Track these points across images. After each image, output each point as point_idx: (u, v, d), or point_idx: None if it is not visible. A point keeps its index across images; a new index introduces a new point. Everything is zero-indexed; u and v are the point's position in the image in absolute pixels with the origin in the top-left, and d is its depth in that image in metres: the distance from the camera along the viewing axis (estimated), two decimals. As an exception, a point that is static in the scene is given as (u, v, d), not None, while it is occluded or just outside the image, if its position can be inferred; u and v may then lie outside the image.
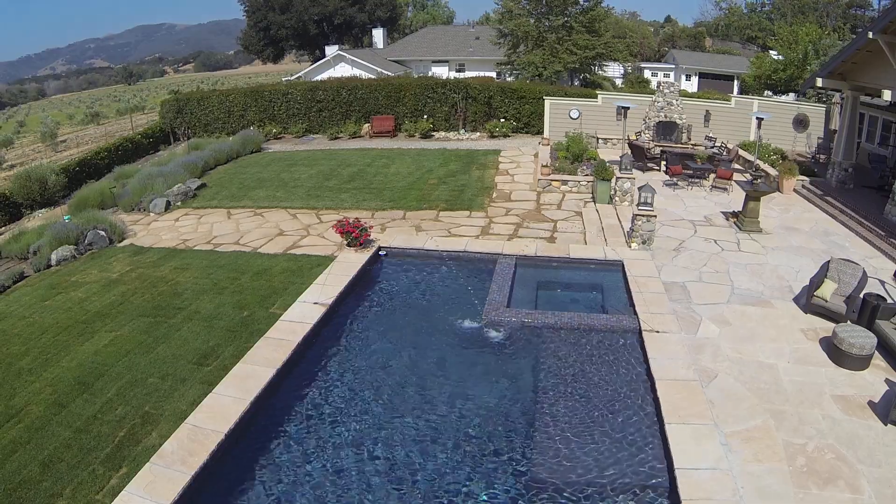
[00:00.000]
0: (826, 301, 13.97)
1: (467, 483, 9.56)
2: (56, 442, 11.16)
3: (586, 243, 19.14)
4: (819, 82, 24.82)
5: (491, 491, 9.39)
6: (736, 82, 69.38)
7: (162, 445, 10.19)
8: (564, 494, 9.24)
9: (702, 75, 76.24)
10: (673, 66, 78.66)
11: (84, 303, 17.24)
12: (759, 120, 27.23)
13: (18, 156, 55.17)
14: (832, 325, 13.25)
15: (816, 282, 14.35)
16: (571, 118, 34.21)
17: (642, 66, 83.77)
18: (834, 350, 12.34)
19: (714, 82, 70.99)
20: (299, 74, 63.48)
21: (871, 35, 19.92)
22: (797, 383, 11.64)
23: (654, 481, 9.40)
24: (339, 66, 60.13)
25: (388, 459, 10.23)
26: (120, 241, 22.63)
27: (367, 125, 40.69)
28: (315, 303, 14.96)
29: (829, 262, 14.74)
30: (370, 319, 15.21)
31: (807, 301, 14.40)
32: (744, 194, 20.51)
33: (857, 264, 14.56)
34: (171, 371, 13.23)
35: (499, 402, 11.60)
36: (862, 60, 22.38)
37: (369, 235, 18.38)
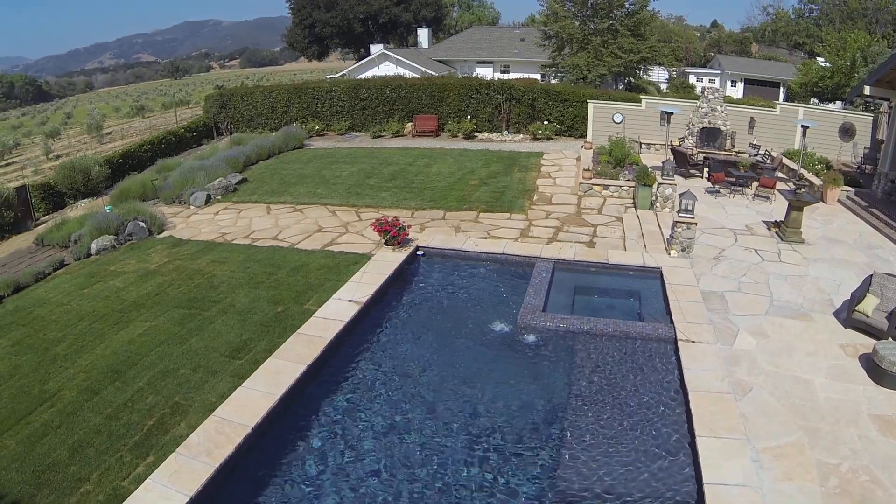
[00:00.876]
0: (867, 316, 13.71)
1: (490, 492, 9.58)
2: (86, 427, 11.40)
3: (625, 249, 19.00)
4: (867, 90, 24.43)
5: (507, 498, 9.44)
6: (782, 89, 68.41)
7: (189, 436, 10.36)
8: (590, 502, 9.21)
9: (747, 81, 75.29)
10: (718, 72, 77.76)
11: (121, 292, 17.57)
12: (805, 128, 26.86)
13: (65, 146, 56.01)
14: (873, 341, 12.99)
15: (858, 296, 14.10)
16: (615, 122, 34.00)
17: (687, 70, 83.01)
18: (873, 368, 12.10)
19: (760, 89, 70.00)
20: (343, 72, 63.74)
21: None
22: (833, 400, 11.45)
23: (680, 496, 9.31)
24: (384, 64, 60.20)
25: (412, 461, 10.29)
26: (159, 233, 23.03)
27: (409, 124, 40.76)
28: (350, 300, 15.06)
29: (871, 276, 14.45)
30: (404, 320, 15.28)
31: (847, 316, 14.16)
32: (786, 204, 20.21)
33: (900, 278, 14.30)
34: (203, 363, 13.41)
35: (525, 409, 11.59)
36: (911, 68, 21.98)
37: (407, 235, 18.46)
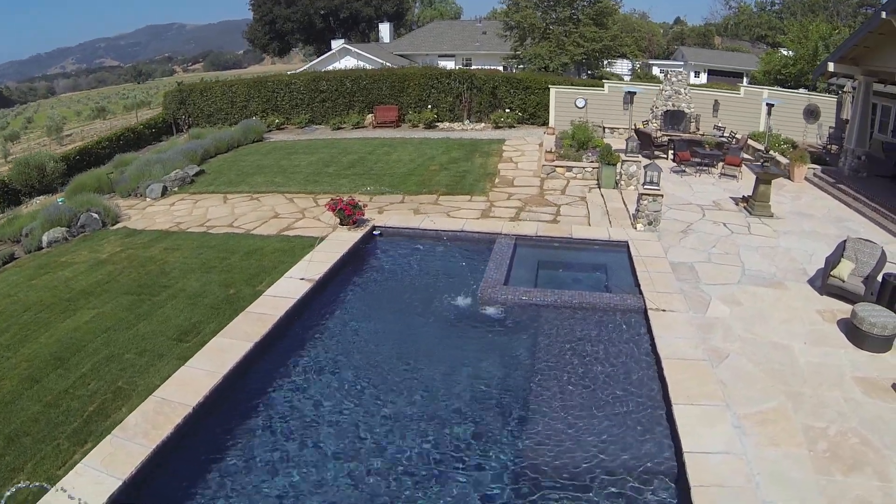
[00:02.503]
0: (843, 281, 13.20)
1: (450, 468, 8.84)
2: (24, 416, 10.61)
3: (590, 225, 18.37)
4: (831, 67, 23.98)
5: (480, 477, 8.65)
6: (745, 79, 68.34)
7: (126, 418, 9.58)
8: (556, 481, 8.48)
9: (711, 72, 75.44)
10: (682, 63, 77.68)
11: (70, 282, 16.72)
12: (770, 106, 26.52)
13: (24, 149, 54.92)
14: (849, 307, 12.40)
15: (832, 261, 13.58)
16: (577, 107, 33.49)
17: (650, 62, 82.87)
18: (853, 331, 11.58)
19: (723, 79, 69.84)
20: (305, 68, 62.89)
21: (884, 15, 19.06)
22: (814, 365, 10.88)
23: (659, 466, 8.63)
24: (345, 59, 59.45)
25: (364, 437, 9.60)
26: (113, 225, 22.10)
27: (370, 116, 40.02)
28: (301, 278, 14.30)
29: (845, 241, 13.97)
30: (359, 296, 14.65)
31: (823, 281, 13.62)
32: (753, 181, 19.81)
33: (875, 244, 13.79)
34: (150, 347, 12.63)
35: (487, 385, 10.85)
36: (875, 44, 21.48)
37: (363, 214, 17.77)
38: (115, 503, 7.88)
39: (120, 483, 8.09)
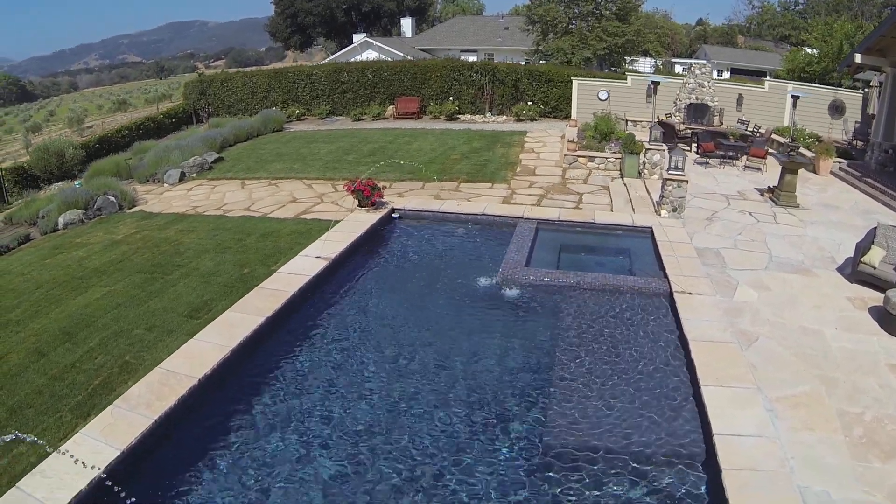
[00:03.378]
0: (874, 268, 12.79)
1: (473, 452, 8.47)
2: (28, 388, 10.41)
3: (612, 211, 18.06)
4: (858, 58, 23.50)
5: (503, 461, 8.30)
6: (768, 77, 67.90)
7: (129, 388, 9.37)
8: (581, 463, 8.13)
9: (734, 70, 74.67)
10: (704, 62, 77.03)
11: (83, 261, 16.59)
12: (795, 99, 26.01)
13: (45, 140, 55.10)
14: (880, 294, 12.02)
15: (863, 248, 13.19)
16: (600, 100, 33.18)
17: (673, 60, 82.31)
18: (887, 317, 11.19)
19: (747, 78, 69.36)
20: (326, 61, 62.79)
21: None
22: (847, 350, 10.50)
23: (688, 449, 8.27)
24: (366, 52, 59.29)
25: (375, 414, 9.32)
26: (130, 208, 21.98)
27: (391, 107, 39.97)
28: (317, 256, 14.04)
29: (875, 227, 13.52)
30: (375, 276, 14.42)
31: (853, 268, 13.25)
32: (779, 172, 19.48)
33: (907, 231, 13.39)
34: (160, 323, 12.40)
35: (510, 368, 10.52)
36: (904, 35, 21.11)
37: (381, 195, 17.54)
38: (113, 474, 7.56)
39: (118, 453, 7.81)
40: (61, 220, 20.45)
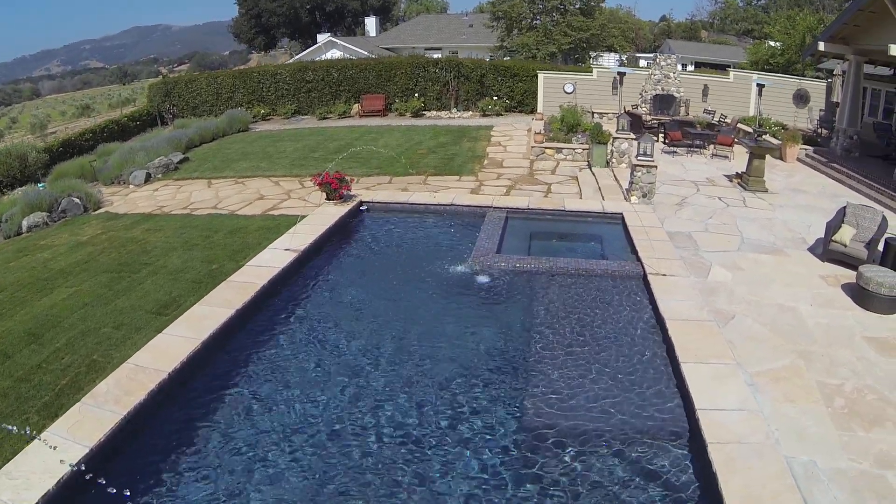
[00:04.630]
0: (845, 246, 12.83)
1: (454, 436, 8.28)
2: (-7, 392, 10.07)
3: (582, 199, 17.97)
4: (821, 46, 23.61)
5: (485, 445, 8.10)
6: (732, 71, 68.42)
7: (96, 385, 9.05)
8: (565, 442, 7.99)
9: (697, 64, 75.16)
10: (669, 54, 77.59)
11: (48, 262, 16.25)
12: (760, 87, 26.22)
13: (6, 145, 54.26)
14: (852, 272, 12.09)
15: (833, 226, 13.21)
16: (566, 93, 33.23)
17: (638, 55, 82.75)
18: (859, 292, 11.24)
19: (711, 70, 69.99)
20: (291, 62, 62.44)
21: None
22: (823, 325, 10.51)
23: (670, 425, 8.16)
24: (331, 52, 59.01)
25: (348, 403, 9.07)
26: (95, 210, 21.67)
27: (357, 105, 39.71)
28: (286, 249, 13.76)
29: (845, 207, 13.64)
30: (346, 265, 14.32)
31: (824, 247, 13.28)
32: (746, 161, 19.59)
33: (875, 209, 13.55)
34: (127, 321, 12.13)
35: (484, 352, 10.32)
36: (866, 22, 21.14)
37: (349, 188, 17.31)
38: (82, 473, 7.25)
39: (87, 450, 7.50)
40: (25, 223, 20.12)
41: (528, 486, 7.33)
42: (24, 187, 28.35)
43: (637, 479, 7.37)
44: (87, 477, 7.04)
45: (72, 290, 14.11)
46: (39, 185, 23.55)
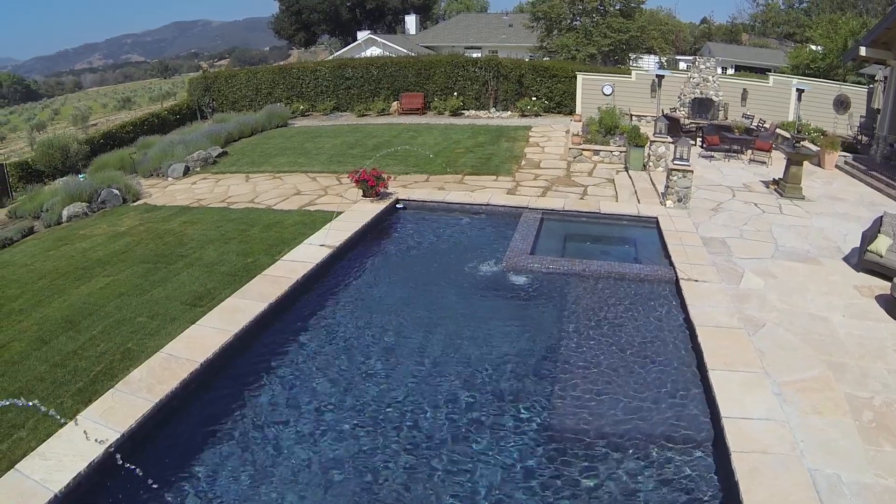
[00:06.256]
0: (881, 256, 12.72)
1: (476, 439, 8.37)
2: (30, 375, 10.40)
3: (618, 202, 18.01)
4: (863, 51, 23.40)
5: (509, 448, 8.19)
6: (772, 75, 67.75)
7: (130, 372, 9.32)
8: (589, 447, 8.08)
9: (738, 67, 74.40)
10: (709, 57, 76.94)
11: (87, 252, 16.62)
12: (800, 92, 26.01)
13: (49, 136, 55.32)
14: (887, 283, 12.01)
15: (869, 236, 13.13)
16: (604, 94, 33.14)
17: (677, 58, 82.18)
18: (894, 304, 11.17)
19: (751, 74, 69.28)
20: (330, 58, 62.76)
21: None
22: (855, 337, 10.45)
23: (695, 432, 8.20)
24: (370, 49, 59.22)
25: (377, 401, 9.21)
26: (134, 201, 22.06)
27: (395, 103, 39.88)
28: (322, 245, 14.00)
29: (882, 216, 13.48)
30: (380, 262, 14.48)
31: (859, 256, 13.19)
32: (783, 167, 19.39)
33: (914, 219, 13.33)
34: (162, 311, 12.40)
35: (513, 353, 10.43)
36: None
37: (386, 186, 17.53)
38: (113, 457, 7.52)
39: (118, 435, 7.75)
40: (65, 213, 20.48)
41: (557, 482, 7.49)
42: (65, 178, 28.84)
43: (656, 483, 7.45)
44: (118, 461, 7.28)
45: (109, 279, 14.43)
46: (80, 175, 23.96)
